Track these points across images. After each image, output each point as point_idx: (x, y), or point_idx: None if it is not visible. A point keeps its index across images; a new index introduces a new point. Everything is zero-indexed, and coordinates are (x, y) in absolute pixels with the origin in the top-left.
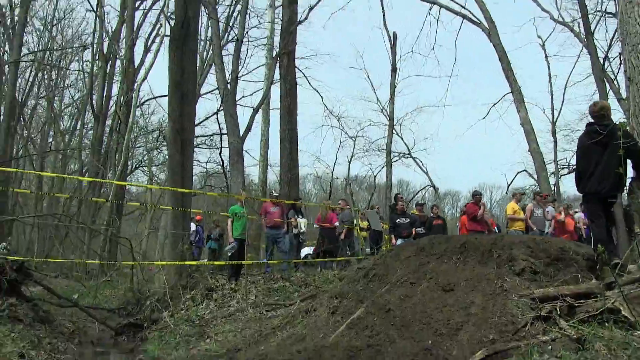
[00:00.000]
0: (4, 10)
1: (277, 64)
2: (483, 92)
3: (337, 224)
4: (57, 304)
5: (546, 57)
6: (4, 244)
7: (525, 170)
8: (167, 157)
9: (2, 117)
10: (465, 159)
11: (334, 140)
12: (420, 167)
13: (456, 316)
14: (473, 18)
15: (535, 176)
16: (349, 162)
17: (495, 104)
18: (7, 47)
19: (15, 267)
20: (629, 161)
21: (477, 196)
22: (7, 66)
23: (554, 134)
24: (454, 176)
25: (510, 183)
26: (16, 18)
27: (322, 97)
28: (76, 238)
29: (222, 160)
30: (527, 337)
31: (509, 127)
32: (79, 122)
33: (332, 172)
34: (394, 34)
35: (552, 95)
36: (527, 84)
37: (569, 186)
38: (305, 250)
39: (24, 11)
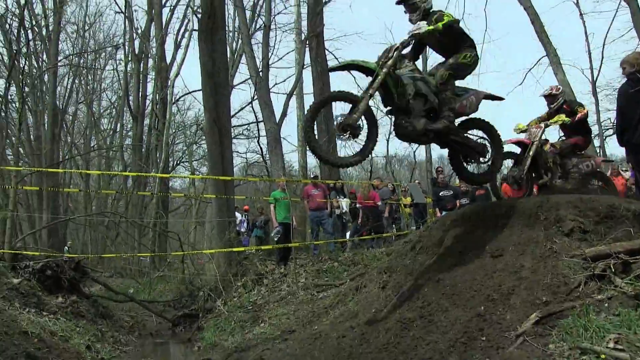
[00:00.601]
0: (39, 19)
1: (307, 48)
2: (517, 58)
3: (379, 203)
4: (115, 300)
5: (581, 15)
6: (69, 244)
7: None
8: (206, 150)
9: (46, 125)
10: (503, 128)
11: None
12: None
13: (507, 281)
14: None
15: None
16: (387, 140)
17: (530, 69)
18: (44, 57)
19: (72, 266)
20: None
21: None
22: (46, 75)
23: (594, 94)
24: None
25: None
26: (50, 27)
27: (354, 77)
28: (127, 235)
29: (261, 148)
30: (582, 297)
31: None
32: (118, 124)
33: None
34: None
35: (590, 54)
36: (563, 45)
37: (615, 147)
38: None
39: (58, 19)
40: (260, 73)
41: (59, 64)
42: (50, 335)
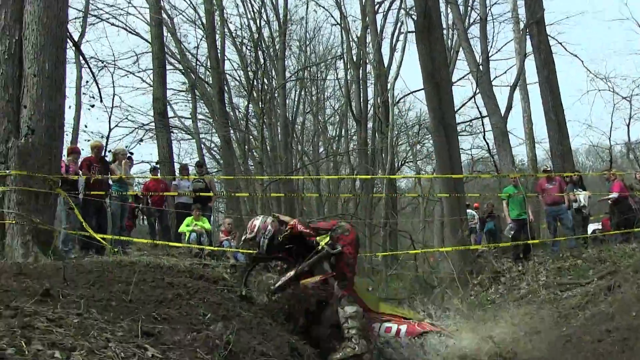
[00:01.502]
0: (267, 42)
1: (527, 36)
2: None
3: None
4: None
5: None
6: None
7: None
8: (430, 149)
9: (279, 136)
10: None
11: (604, 105)
12: None
13: None
14: None
15: None
16: (628, 126)
17: None
18: (273, 74)
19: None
20: None
21: None
22: (276, 91)
23: None
24: None
25: None
26: (277, 46)
27: (582, 61)
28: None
29: (487, 143)
30: None
31: None
32: (343, 129)
33: (609, 139)
34: None
35: None
36: None
37: None
38: (593, 226)
39: (283, 39)
40: (481, 67)
41: (288, 79)
42: None
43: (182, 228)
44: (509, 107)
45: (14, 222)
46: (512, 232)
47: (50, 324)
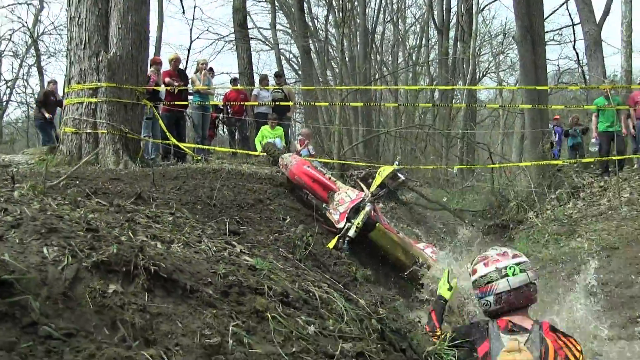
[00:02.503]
0: None
1: None
2: None
3: None
4: (429, 208)
5: None
6: (399, 158)
7: None
8: (514, 60)
9: (358, 46)
10: None
11: None
12: None
13: None
14: None
15: None
16: None
17: None
18: None
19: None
20: None
21: None
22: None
23: None
24: None
25: None
26: None
27: None
28: (435, 147)
29: (577, 53)
30: None
31: None
32: (423, 39)
33: None
34: None
35: None
36: None
37: None
38: None
39: None
40: None
41: None
42: None
43: (257, 138)
44: (606, 12)
45: (106, 132)
46: (597, 147)
47: (149, 220)
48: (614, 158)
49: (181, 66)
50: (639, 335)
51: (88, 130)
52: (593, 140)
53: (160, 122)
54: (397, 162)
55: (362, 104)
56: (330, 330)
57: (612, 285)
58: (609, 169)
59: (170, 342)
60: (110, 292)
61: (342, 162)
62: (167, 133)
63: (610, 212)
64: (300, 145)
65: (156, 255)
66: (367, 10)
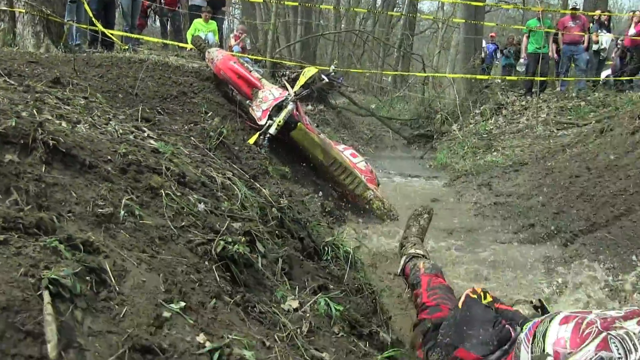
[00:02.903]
0: None
1: None
2: None
3: None
4: (357, 114)
5: None
6: (335, 63)
7: None
8: None
9: None
10: None
11: None
12: None
13: None
14: None
15: None
16: None
17: None
18: None
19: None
20: None
21: None
22: None
23: None
24: None
25: None
26: None
27: None
28: (372, 54)
29: None
30: None
31: None
32: None
33: None
34: None
35: None
36: None
37: None
38: (606, 73)
39: None
40: None
41: None
42: None
43: (190, 32)
44: None
45: (24, 11)
46: (524, 67)
47: (59, 102)
48: (536, 79)
49: None
50: (529, 239)
51: (3, 8)
52: (521, 60)
53: (86, 5)
54: (333, 67)
55: (297, 3)
56: (221, 210)
57: (515, 196)
58: (533, 90)
59: (64, 209)
60: (6, 161)
61: (273, 60)
62: (94, 19)
63: (526, 130)
64: (235, 40)
65: (56, 132)
66: None
